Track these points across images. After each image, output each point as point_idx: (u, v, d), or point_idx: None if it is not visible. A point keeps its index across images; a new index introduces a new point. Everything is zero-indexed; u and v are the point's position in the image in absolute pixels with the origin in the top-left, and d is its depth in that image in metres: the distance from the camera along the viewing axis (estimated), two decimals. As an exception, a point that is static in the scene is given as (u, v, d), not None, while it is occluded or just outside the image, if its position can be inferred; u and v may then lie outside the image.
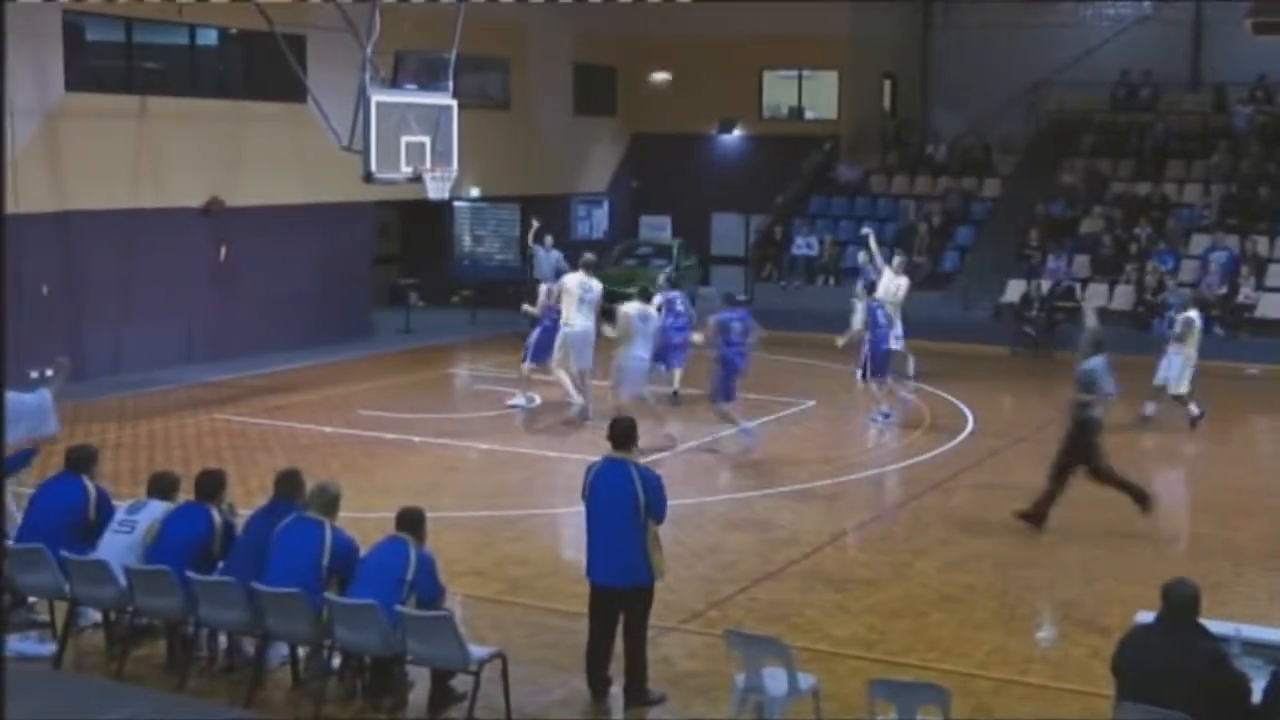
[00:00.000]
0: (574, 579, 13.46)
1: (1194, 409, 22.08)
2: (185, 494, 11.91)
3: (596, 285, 21.94)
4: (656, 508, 10.75)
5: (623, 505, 10.62)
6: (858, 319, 23.56)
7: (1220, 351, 28.31)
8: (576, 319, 21.46)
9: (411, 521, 10.76)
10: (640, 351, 19.96)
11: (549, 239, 28.73)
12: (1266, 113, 34.93)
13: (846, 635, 12.43)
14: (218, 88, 27.35)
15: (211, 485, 11.62)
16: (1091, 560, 14.87)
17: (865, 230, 26.99)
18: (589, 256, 22.79)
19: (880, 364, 21.65)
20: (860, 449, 20.48)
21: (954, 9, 39.56)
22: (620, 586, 10.80)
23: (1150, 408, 22.12)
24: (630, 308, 20.24)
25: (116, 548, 11.36)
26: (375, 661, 10.73)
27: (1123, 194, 33.55)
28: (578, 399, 21.34)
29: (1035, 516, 15.85)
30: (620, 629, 10.94)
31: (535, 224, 28.64)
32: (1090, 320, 20.41)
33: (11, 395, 13.00)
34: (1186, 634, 8.37)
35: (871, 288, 23.95)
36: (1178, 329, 22.43)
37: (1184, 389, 22.05)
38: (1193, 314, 22.54)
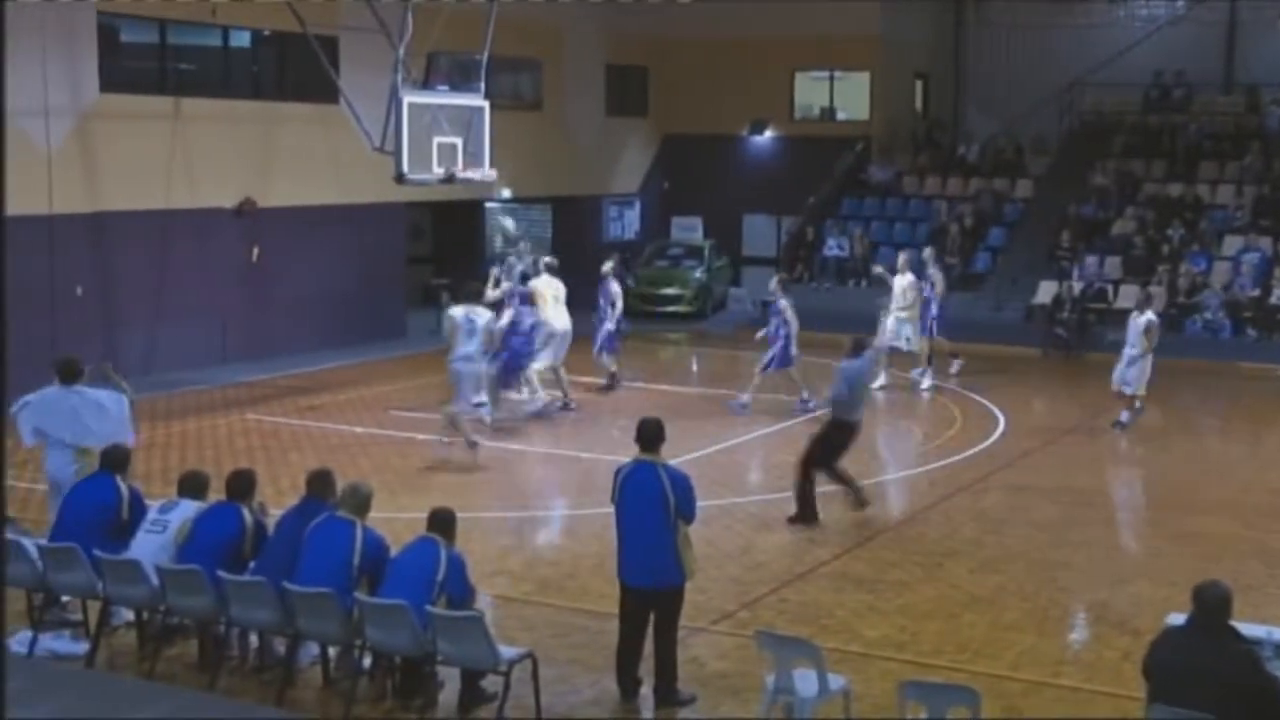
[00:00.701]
0: (604, 579, 13.48)
1: (1126, 417, 21.60)
2: (216, 493, 11.97)
3: (561, 284, 22.45)
4: (686, 508, 10.76)
5: (653, 506, 10.65)
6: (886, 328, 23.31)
7: (1252, 353, 28.25)
8: (557, 317, 21.97)
9: (442, 522, 10.79)
10: (467, 349, 19.16)
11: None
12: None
13: (877, 636, 12.41)
14: (251, 89, 27.48)
15: (242, 485, 11.65)
16: (1123, 562, 14.83)
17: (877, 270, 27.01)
18: (550, 260, 23.05)
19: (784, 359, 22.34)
20: (891, 450, 20.44)
21: (986, 9, 39.45)
22: (651, 587, 10.81)
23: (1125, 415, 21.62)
24: (456, 310, 19.51)
25: (149, 547, 11.41)
26: (405, 661, 10.76)
27: (1155, 195, 33.39)
28: (543, 396, 22.04)
29: (803, 516, 16.03)
30: (651, 629, 10.95)
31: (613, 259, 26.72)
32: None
33: (103, 395, 13.19)
34: (1218, 636, 8.31)
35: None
36: (1138, 332, 21.58)
37: (1143, 391, 21.51)
38: (1153, 315, 21.98)
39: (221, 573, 10.97)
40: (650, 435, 10.97)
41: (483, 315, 19.43)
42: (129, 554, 11.45)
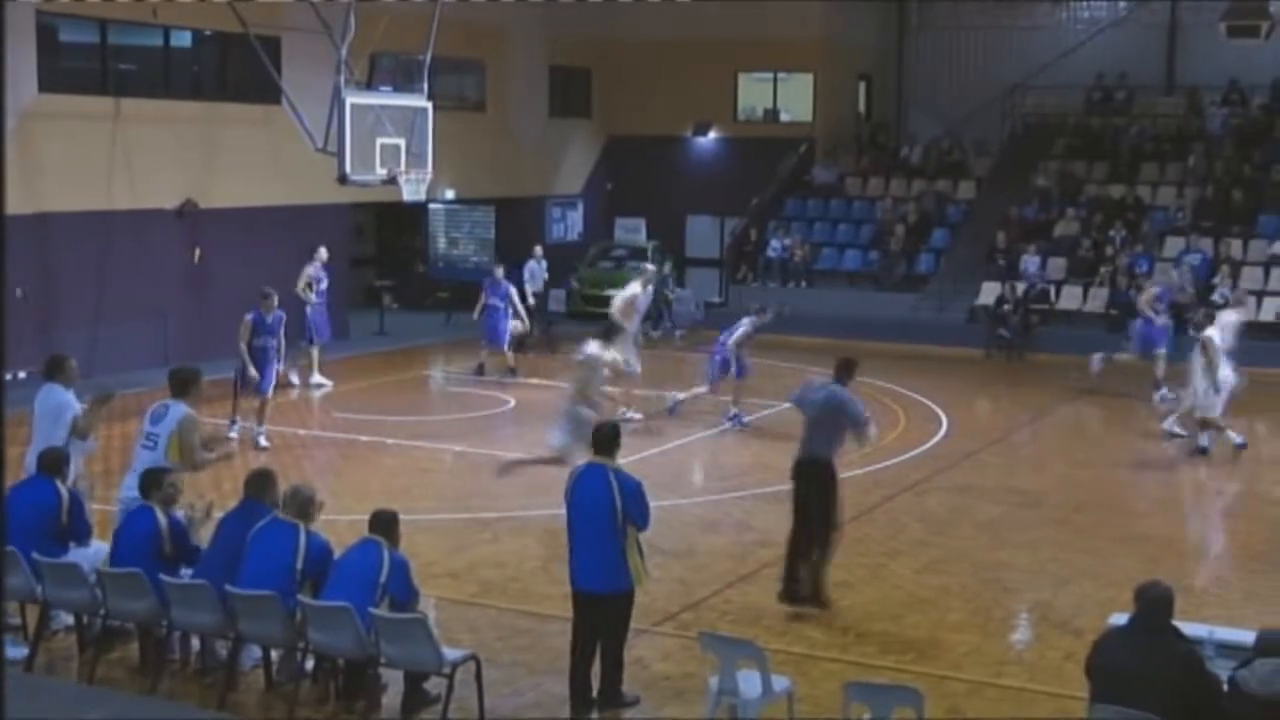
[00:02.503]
0: (548, 581, 13.50)
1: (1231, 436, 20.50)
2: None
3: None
4: (636, 513, 10.68)
5: (601, 511, 10.58)
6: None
7: (1188, 353, 28.45)
8: None
9: (385, 524, 10.74)
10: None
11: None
12: (1240, 115, 35.07)
13: (821, 637, 12.44)
14: (192, 89, 27.29)
15: (150, 484, 11.58)
16: (1066, 562, 14.91)
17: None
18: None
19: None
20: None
21: (929, 11, 39.62)
22: (600, 592, 10.74)
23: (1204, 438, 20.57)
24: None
25: (145, 462, 11.96)
26: (348, 664, 10.71)
27: (1097, 196, 33.65)
28: None
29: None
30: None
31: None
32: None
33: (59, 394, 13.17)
34: (1160, 636, 8.39)
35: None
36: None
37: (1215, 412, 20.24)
38: (1209, 331, 20.33)
39: (163, 576, 10.90)
40: (603, 439, 10.94)
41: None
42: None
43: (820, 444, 13.26)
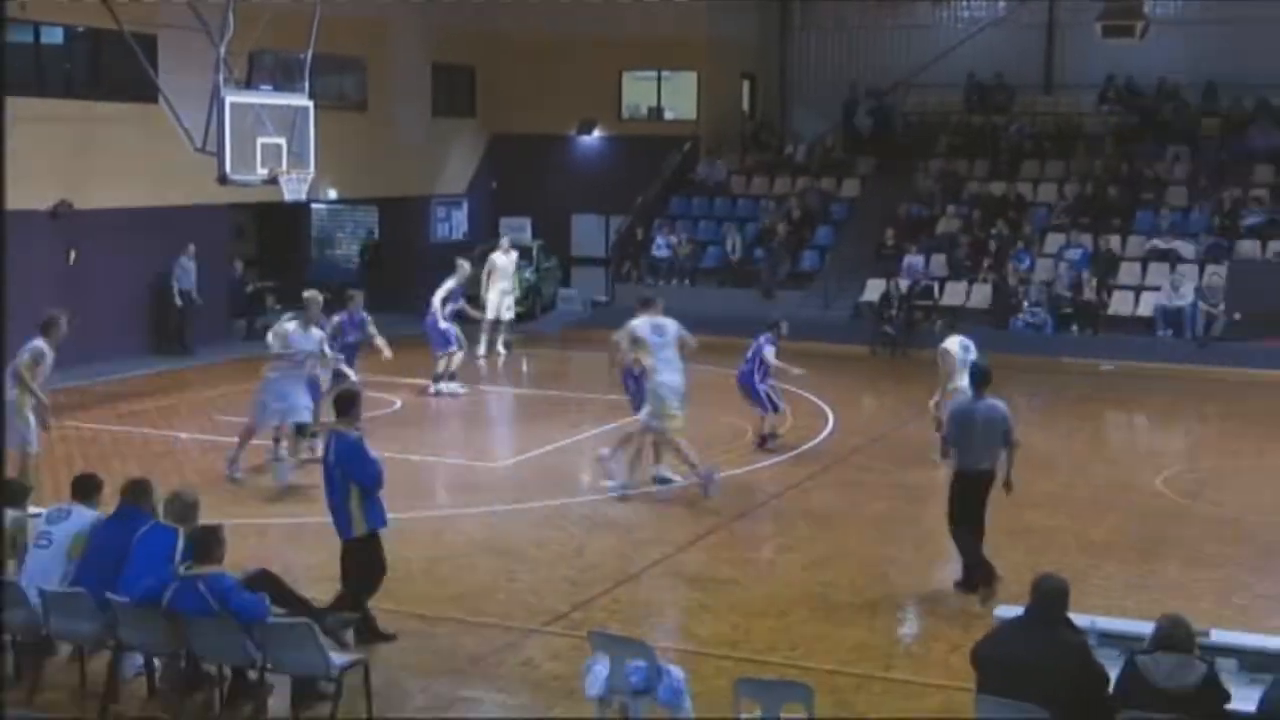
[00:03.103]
0: (433, 583, 13.44)
1: None
2: (35, 502, 11.72)
3: None
4: (355, 473, 11.91)
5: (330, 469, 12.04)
6: None
7: (1075, 349, 28.93)
8: None
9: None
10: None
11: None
12: (1117, 113, 35.62)
13: (710, 634, 12.45)
14: (65, 87, 26.77)
15: None
16: (952, 556, 14.97)
17: None
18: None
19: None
20: (721, 449, 20.49)
21: (811, 10, 39.86)
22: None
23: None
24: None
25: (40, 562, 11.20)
26: (234, 670, 10.56)
27: (979, 194, 34.02)
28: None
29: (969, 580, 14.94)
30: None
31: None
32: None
33: None
34: (1053, 628, 8.48)
35: None
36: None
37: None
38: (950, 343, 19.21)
39: (40, 585, 10.69)
40: (341, 405, 12.34)
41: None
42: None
43: (987, 456, 13.68)
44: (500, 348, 28.40)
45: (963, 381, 16.98)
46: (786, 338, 20.67)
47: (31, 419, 15.54)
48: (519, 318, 30.05)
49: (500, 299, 28.36)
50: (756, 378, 20.09)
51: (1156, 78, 35.46)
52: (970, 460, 13.68)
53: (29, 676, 11.00)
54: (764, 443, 20.30)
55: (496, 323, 28.31)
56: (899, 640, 12.81)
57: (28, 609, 10.68)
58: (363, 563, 12.10)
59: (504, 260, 28.74)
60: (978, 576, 13.65)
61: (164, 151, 25.16)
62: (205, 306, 28.71)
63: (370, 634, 11.95)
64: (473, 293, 26.04)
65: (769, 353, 20.15)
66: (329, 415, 14.79)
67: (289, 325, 18.18)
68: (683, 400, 17.13)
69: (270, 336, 18.45)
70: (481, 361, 27.32)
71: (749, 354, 20.30)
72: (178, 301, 28.22)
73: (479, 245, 36.03)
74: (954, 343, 18.80)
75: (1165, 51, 34.54)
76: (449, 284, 23.61)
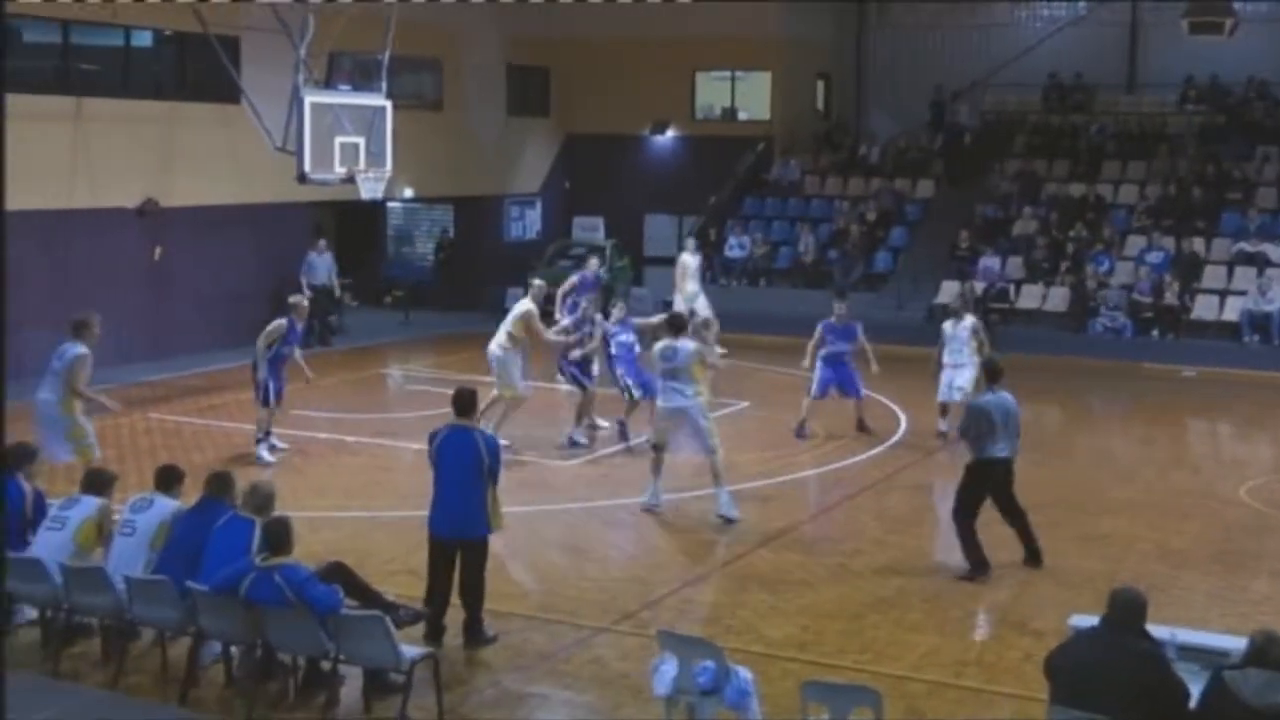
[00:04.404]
0: (505, 579, 13.52)
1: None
2: (120, 492, 11.98)
3: None
4: (497, 469, 12.03)
5: (466, 466, 11.88)
6: None
7: (1155, 354, 28.60)
8: None
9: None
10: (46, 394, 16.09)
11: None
12: (1202, 113, 35.25)
13: (780, 637, 12.47)
14: (153, 89, 27.16)
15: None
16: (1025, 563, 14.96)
17: None
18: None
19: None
20: (794, 451, 20.52)
21: (888, 9, 39.73)
22: (460, 538, 12.06)
23: (944, 424, 20.94)
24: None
25: (50, 544, 11.45)
26: (308, 660, 10.74)
27: (1057, 195, 33.78)
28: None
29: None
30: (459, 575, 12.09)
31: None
32: None
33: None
34: (1130, 638, 8.34)
35: None
36: (966, 336, 20.66)
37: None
38: (973, 318, 21.14)
39: (126, 573, 10.94)
40: (464, 403, 12.21)
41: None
42: (31, 551, 11.44)
43: (1006, 446, 14.37)
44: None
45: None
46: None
47: (85, 423, 15.65)
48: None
49: (694, 299, 28.28)
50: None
51: (1245, 76, 35.07)
52: (988, 450, 14.08)
53: (114, 660, 11.25)
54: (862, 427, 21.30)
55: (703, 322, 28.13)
56: (971, 647, 12.73)
57: (113, 595, 10.95)
58: (483, 562, 12.19)
59: (693, 260, 28.87)
60: (979, 565, 14.12)
61: (245, 151, 25.52)
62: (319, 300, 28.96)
63: (478, 638, 12.05)
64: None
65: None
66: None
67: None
68: (675, 422, 16.62)
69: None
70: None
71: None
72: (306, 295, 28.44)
73: (550, 245, 36.27)
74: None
75: (1253, 49, 34.18)
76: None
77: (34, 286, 24.14)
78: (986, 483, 14.29)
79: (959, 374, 20.43)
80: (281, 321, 19.14)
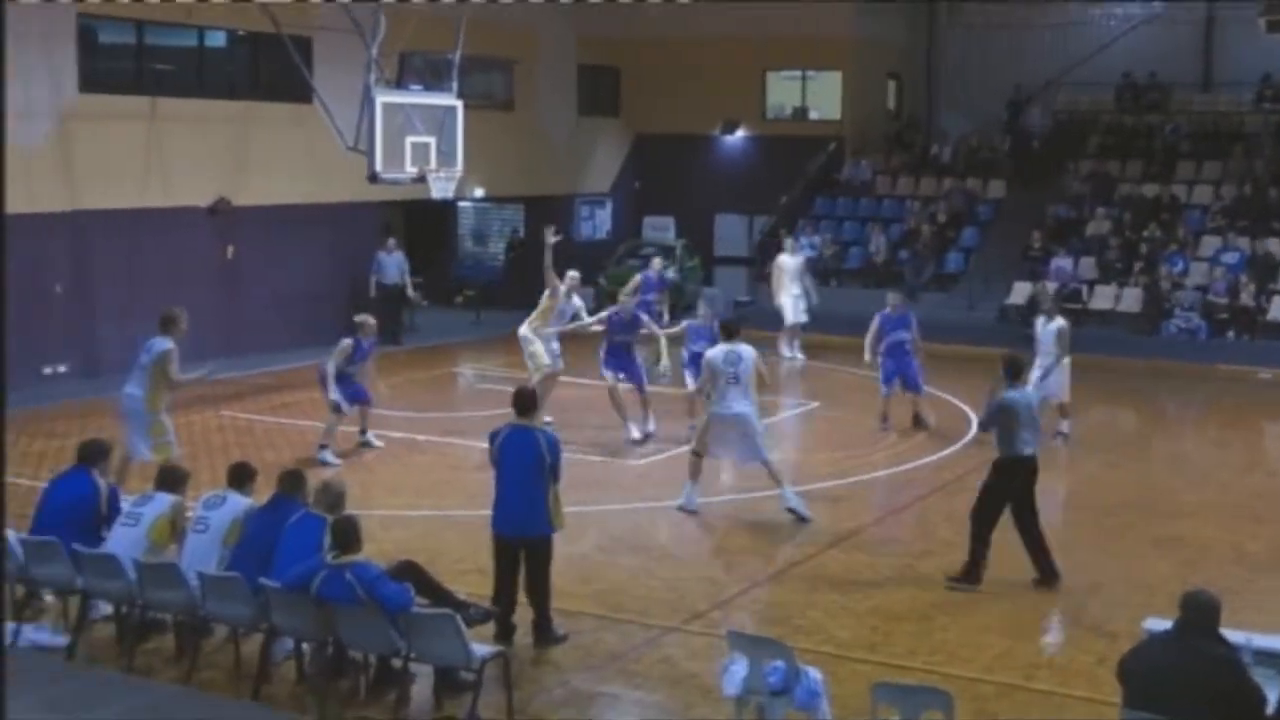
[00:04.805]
0: (575, 578, 13.53)
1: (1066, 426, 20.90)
2: (192, 489, 12.09)
3: None
4: (559, 468, 12.08)
5: (528, 465, 11.96)
6: None
7: (1230, 355, 28.28)
8: None
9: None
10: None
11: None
12: (1279, 112, 34.82)
13: (849, 637, 12.43)
14: (226, 89, 27.40)
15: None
16: (1097, 565, 14.85)
17: None
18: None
19: None
20: (866, 451, 20.46)
21: (960, 8, 39.50)
22: (524, 536, 12.11)
23: (1065, 425, 20.89)
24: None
25: (123, 541, 11.52)
26: (379, 658, 10.80)
27: (1130, 195, 33.49)
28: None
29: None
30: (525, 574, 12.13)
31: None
32: None
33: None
34: (1204, 642, 8.22)
35: None
36: (1050, 338, 20.52)
37: (1067, 398, 20.82)
38: (1063, 320, 20.82)
39: (200, 569, 11.03)
40: (525, 403, 12.28)
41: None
42: (105, 547, 11.56)
43: (1032, 442, 14.16)
44: (798, 352, 28.29)
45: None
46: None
47: (166, 421, 15.89)
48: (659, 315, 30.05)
49: (794, 302, 28.31)
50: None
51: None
52: (1015, 447, 13.96)
53: (188, 656, 11.35)
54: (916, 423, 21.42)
55: (796, 326, 28.36)
56: (1043, 649, 12.66)
57: (187, 591, 11.04)
58: (547, 560, 12.23)
59: (791, 262, 28.70)
60: (976, 572, 13.90)
61: (317, 150, 25.67)
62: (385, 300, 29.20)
63: (548, 638, 12.10)
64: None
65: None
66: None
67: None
68: (730, 427, 16.39)
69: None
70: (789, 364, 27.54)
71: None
72: (373, 294, 28.85)
73: (620, 245, 36.32)
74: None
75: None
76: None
77: (109, 285, 24.46)
78: (1015, 480, 14.10)
79: (1039, 373, 20.38)
80: (348, 341, 19.26)
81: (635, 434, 20.13)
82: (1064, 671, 11.83)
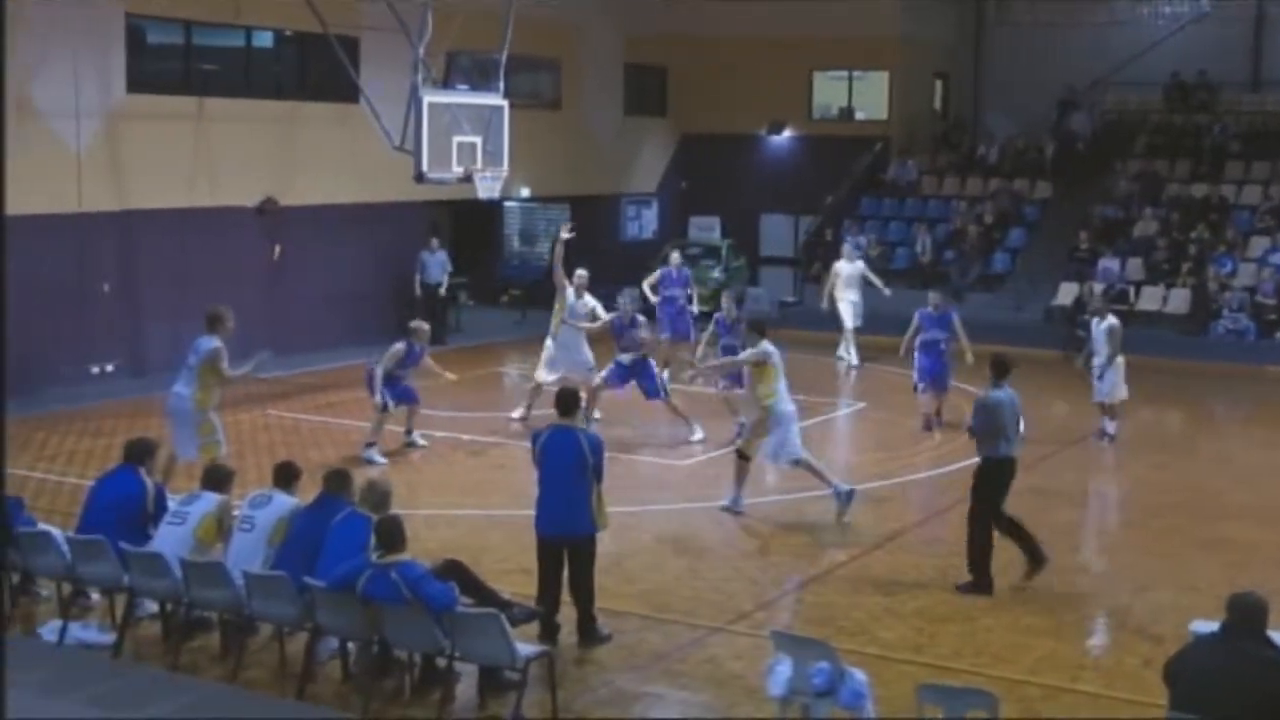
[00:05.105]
0: (620, 578, 13.54)
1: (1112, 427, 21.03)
2: (238, 488, 12.17)
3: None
4: (601, 468, 12.11)
5: (570, 465, 11.96)
6: None
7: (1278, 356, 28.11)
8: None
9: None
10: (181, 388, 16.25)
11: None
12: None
13: (894, 638, 12.42)
14: (273, 89, 27.56)
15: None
16: (1143, 567, 14.78)
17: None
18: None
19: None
20: (909, 452, 20.41)
21: (1007, 8, 39.34)
22: (567, 535, 12.13)
23: (1112, 425, 21.06)
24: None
25: (170, 539, 11.58)
26: (424, 657, 10.83)
27: (1178, 196, 33.28)
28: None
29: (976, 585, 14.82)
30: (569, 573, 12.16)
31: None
32: None
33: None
34: (1249, 644, 8.17)
35: None
36: (1103, 337, 20.90)
37: (1123, 397, 20.97)
38: (1114, 319, 21.22)
39: (245, 568, 11.08)
40: (567, 403, 12.34)
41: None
42: (152, 546, 11.63)
43: (1014, 443, 14.19)
44: (854, 357, 27.95)
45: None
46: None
47: (215, 419, 15.98)
48: (704, 316, 30.00)
49: (851, 308, 28.03)
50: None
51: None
52: (998, 449, 13.95)
53: (233, 654, 11.43)
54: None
55: (852, 331, 28.15)
56: (1088, 651, 12.62)
57: (232, 590, 11.09)
58: (591, 560, 12.25)
59: (849, 268, 28.15)
60: (984, 582, 13.75)
61: (364, 150, 25.77)
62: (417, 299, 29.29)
63: (593, 637, 12.14)
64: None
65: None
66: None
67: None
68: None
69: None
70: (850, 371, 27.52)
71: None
72: (417, 293, 29.05)
73: (666, 245, 36.28)
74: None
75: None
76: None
77: (157, 284, 24.61)
78: (999, 482, 14.05)
79: (1095, 373, 20.55)
80: (400, 346, 19.39)
81: (697, 434, 20.12)
82: (1110, 674, 11.79)
